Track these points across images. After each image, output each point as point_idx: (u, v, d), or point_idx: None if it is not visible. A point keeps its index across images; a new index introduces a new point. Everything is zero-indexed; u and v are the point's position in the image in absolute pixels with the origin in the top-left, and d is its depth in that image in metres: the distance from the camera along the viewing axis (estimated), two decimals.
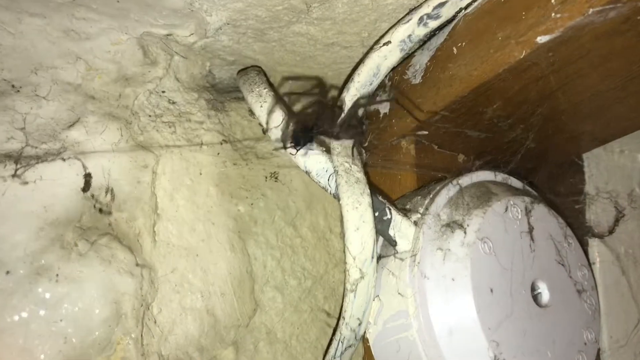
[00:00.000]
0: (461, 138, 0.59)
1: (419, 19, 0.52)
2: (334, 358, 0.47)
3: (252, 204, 0.58)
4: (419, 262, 0.46)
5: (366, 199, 0.46)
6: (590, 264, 0.54)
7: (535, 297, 0.49)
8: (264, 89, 0.53)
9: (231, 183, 0.57)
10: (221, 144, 0.58)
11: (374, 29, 0.57)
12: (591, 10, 0.39)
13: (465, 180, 0.51)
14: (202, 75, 0.61)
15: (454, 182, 0.50)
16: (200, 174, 0.56)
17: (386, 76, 0.59)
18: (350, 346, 0.47)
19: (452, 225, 0.47)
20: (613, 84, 0.50)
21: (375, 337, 0.48)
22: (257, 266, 0.57)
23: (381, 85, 0.62)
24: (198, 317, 0.53)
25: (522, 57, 0.45)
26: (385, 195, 0.54)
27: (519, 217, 0.50)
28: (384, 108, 0.61)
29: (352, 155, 0.48)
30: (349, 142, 0.49)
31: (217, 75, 0.64)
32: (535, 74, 0.47)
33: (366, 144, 0.63)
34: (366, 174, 0.48)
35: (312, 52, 0.61)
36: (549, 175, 0.67)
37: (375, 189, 0.49)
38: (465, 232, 0.46)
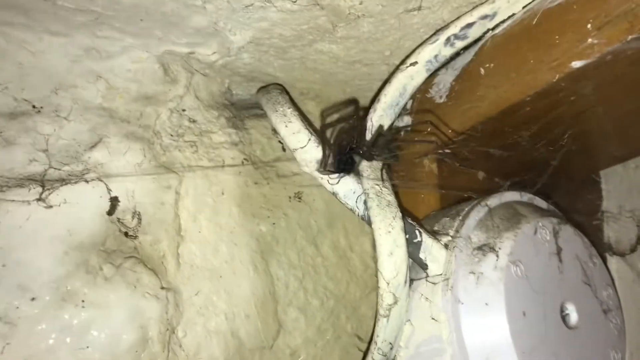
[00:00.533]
0: (484, 157, 0.59)
1: (446, 40, 0.52)
2: None
3: (274, 224, 0.57)
4: (452, 287, 0.46)
5: (399, 223, 0.46)
6: (614, 283, 0.54)
7: (564, 319, 0.49)
8: (288, 108, 0.53)
9: (253, 203, 0.57)
10: (242, 163, 0.57)
11: (397, 47, 0.57)
12: (630, 37, 0.40)
13: (494, 201, 0.51)
14: (220, 92, 0.61)
15: (483, 203, 0.50)
16: (223, 193, 0.56)
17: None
18: None
19: (484, 248, 0.47)
20: (635, 105, 0.50)
21: None
22: (279, 287, 0.56)
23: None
24: (223, 339, 0.52)
25: (554, 81, 0.45)
26: (414, 217, 0.54)
27: (548, 238, 0.50)
28: (406, 126, 0.61)
29: (382, 178, 0.48)
30: (377, 164, 0.49)
31: (235, 92, 0.64)
32: (566, 97, 0.47)
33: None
34: (396, 195, 0.48)
35: (333, 69, 0.60)
36: (566, 192, 0.67)
37: (404, 211, 0.49)
38: (497, 256, 0.46)
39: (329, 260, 0.60)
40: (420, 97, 0.59)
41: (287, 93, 0.58)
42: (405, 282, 0.45)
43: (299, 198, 0.58)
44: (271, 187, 0.58)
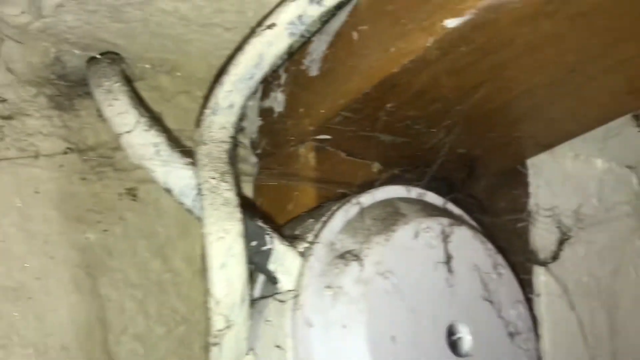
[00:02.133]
0: (373, 143, 0.57)
1: None
2: None
3: (106, 231, 0.55)
4: (302, 305, 0.44)
5: (236, 226, 0.44)
6: (527, 299, 0.53)
7: (454, 344, 0.47)
8: (116, 82, 0.51)
9: (78, 204, 0.54)
10: (65, 153, 0.55)
11: (260, 6, 0.55)
12: None
13: (368, 198, 0.49)
14: (44, 64, 0.58)
15: (354, 200, 0.48)
16: (36, 192, 0.53)
17: (281, 66, 0.57)
18: None
19: (347, 256, 0.45)
20: (547, 78, 0.49)
21: None
22: (111, 311, 0.54)
23: (275, 78, 0.60)
24: None
25: (428, 45, 0.44)
26: (269, 219, 0.52)
27: (434, 244, 0.48)
28: (278, 106, 0.59)
29: (224, 169, 0.46)
30: (219, 150, 0.47)
31: (68, 65, 0.61)
32: (448, 66, 0.46)
33: (259, 151, 0.61)
34: (239, 192, 0.46)
35: (186, 35, 0.58)
36: (488, 188, 0.66)
37: (255, 211, 0.47)
38: (362, 265, 0.44)
39: (181, 276, 0.57)
40: (295, 69, 0.57)
41: (121, 64, 0.56)
42: (243, 301, 0.43)
43: (133, 196, 0.55)
44: (104, 183, 0.56)
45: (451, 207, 0.54)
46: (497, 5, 0.40)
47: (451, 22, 0.42)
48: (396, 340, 0.44)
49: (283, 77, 0.59)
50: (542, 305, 0.59)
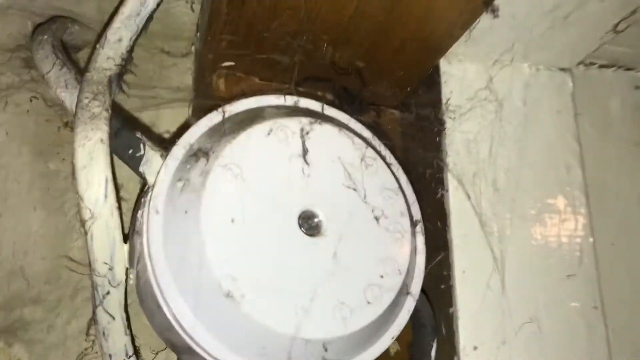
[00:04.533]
0: (275, 65, 0.56)
1: None
2: (97, 307, 0.47)
3: (64, 160, 0.58)
4: (154, 196, 0.44)
5: (97, 135, 0.45)
6: (401, 186, 0.50)
7: (309, 227, 0.45)
8: (43, 36, 0.54)
9: (42, 141, 0.58)
10: (31, 100, 0.59)
11: None
12: None
13: (238, 106, 0.49)
14: (21, 34, 0.62)
15: (221, 109, 0.48)
16: (7, 134, 0.57)
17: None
18: (107, 293, 0.46)
19: (198, 153, 0.45)
20: None
21: (134, 281, 0.47)
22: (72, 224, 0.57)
23: None
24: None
25: None
26: (149, 132, 0.53)
27: (289, 139, 0.46)
28: (197, 43, 0.59)
29: (99, 90, 0.47)
30: (100, 77, 0.48)
31: None
32: None
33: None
34: (115, 107, 0.47)
35: None
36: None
37: (137, 125, 0.48)
38: (207, 160, 0.44)
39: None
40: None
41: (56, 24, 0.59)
42: (106, 196, 0.45)
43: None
44: (65, 122, 0.59)
45: (328, 110, 0.51)
46: None
47: None
48: (235, 222, 0.43)
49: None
50: (450, 199, 0.54)
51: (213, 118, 0.48)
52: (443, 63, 0.58)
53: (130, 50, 0.52)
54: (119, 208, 0.46)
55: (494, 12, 0.48)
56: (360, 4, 0.48)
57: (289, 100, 0.51)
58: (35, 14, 0.62)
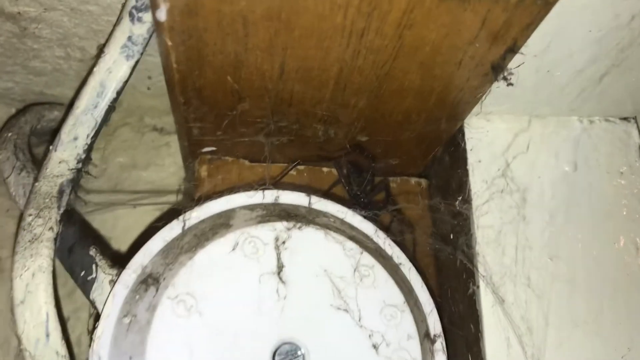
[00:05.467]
0: (260, 145, 0.48)
1: (130, 16, 0.42)
2: None
3: None
4: (98, 337, 0.37)
5: (36, 263, 0.38)
6: (412, 293, 0.40)
7: None
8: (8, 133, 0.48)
9: None
10: None
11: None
12: None
13: (201, 212, 0.40)
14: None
15: (182, 217, 0.40)
16: None
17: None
18: None
19: (148, 280, 0.37)
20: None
21: None
22: None
23: None
24: None
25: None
26: (105, 247, 0.45)
27: (259, 254, 0.38)
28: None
29: (45, 204, 0.41)
30: (50, 185, 0.42)
31: None
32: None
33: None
34: (71, 215, 0.41)
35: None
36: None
37: (94, 237, 0.42)
38: (156, 289, 0.36)
39: None
40: None
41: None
42: (48, 336, 0.38)
43: None
44: None
45: (317, 204, 0.42)
46: None
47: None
48: None
49: None
50: (481, 299, 0.43)
51: (173, 229, 0.40)
52: (469, 125, 0.48)
53: (89, 150, 0.45)
54: (67, 344, 0.39)
55: (506, 79, 0.37)
56: (341, 81, 0.39)
57: (269, 196, 0.42)
58: (16, 100, 0.58)
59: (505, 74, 0.36)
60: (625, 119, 0.50)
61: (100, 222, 0.50)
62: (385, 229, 0.47)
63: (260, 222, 0.39)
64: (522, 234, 0.45)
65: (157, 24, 0.33)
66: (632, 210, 0.47)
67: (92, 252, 0.41)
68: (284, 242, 0.38)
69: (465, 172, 0.47)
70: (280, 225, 0.39)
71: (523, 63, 0.38)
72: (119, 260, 0.41)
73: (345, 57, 0.36)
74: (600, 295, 0.44)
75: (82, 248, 0.41)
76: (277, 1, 0.31)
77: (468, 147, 0.48)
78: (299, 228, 0.39)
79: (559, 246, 0.45)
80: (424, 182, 0.55)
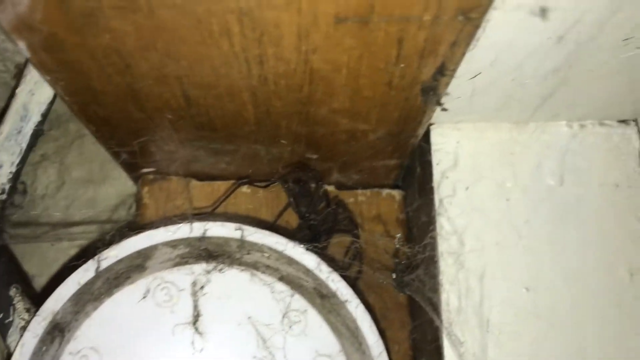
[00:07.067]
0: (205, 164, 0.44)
1: None
2: None
3: None
4: None
5: None
6: (340, 349, 0.35)
7: None
8: None
9: None
10: None
11: None
12: None
13: (119, 251, 0.36)
14: None
15: (96, 258, 0.36)
16: None
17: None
18: None
19: (55, 331, 0.34)
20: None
21: None
22: None
23: None
24: None
25: None
26: (28, 285, 0.43)
27: (174, 301, 0.34)
28: None
29: None
30: None
31: None
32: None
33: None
34: None
35: None
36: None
37: (19, 274, 0.39)
38: (60, 343, 0.33)
39: None
40: None
41: None
42: None
43: None
44: None
45: (260, 235, 0.37)
46: None
47: None
48: None
49: None
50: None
51: (87, 270, 0.37)
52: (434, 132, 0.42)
53: (14, 179, 0.42)
54: None
55: (440, 104, 0.31)
56: (261, 105, 0.34)
57: (197, 230, 0.38)
58: None
59: (438, 96, 0.30)
60: (623, 121, 0.43)
61: (30, 254, 0.47)
62: (345, 253, 0.43)
63: (177, 264, 0.35)
64: (492, 261, 0.39)
65: (29, 59, 0.29)
66: (628, 230, 0.40)
67: (12, 292, 0.38)
68: (202, 288, 0.34)
69: (431, 189, 0.42)
70: (199, 268, 0.35)
71: (480, 73, 0.32)
72: (42, 301, 0.38)
73: (252, 83, 0.31)
74: (584, 332, 0.38)
75: (2, 287, 0.38)
76: (147, 33, 0.27)
77: (434, 161, 0.42)
78: (220, 270, 0.35)
79: (538, 275, 0.39)
80: (397, 193, 0.49)
